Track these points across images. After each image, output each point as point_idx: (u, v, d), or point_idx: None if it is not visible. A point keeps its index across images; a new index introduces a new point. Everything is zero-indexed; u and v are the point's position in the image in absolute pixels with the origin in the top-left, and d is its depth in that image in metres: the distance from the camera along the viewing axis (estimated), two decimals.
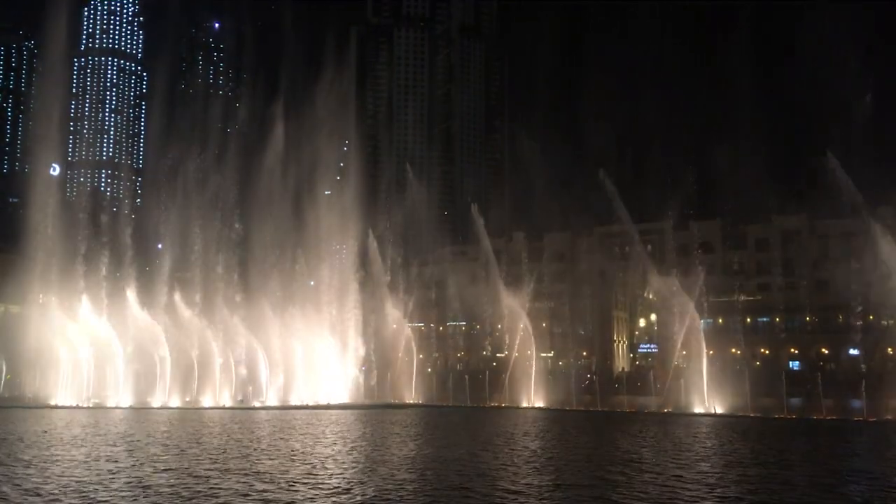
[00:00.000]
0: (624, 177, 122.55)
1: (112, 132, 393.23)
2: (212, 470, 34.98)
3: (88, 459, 39.08)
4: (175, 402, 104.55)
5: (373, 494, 28.56)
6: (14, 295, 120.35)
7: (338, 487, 30.28)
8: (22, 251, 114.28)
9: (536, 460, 39.40)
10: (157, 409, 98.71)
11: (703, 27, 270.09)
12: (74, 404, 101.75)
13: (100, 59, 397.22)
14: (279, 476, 33.12)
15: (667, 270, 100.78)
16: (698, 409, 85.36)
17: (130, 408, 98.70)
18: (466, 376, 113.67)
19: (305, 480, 32.03)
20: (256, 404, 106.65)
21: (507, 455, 41.29)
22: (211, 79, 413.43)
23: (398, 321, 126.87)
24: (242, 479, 32.11)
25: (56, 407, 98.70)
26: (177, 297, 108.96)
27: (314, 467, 36.18)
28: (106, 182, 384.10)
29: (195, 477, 32.83)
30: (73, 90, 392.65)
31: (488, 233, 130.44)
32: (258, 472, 34.20)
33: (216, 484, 31.01)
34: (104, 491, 29.43)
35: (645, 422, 70.73)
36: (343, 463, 38.57)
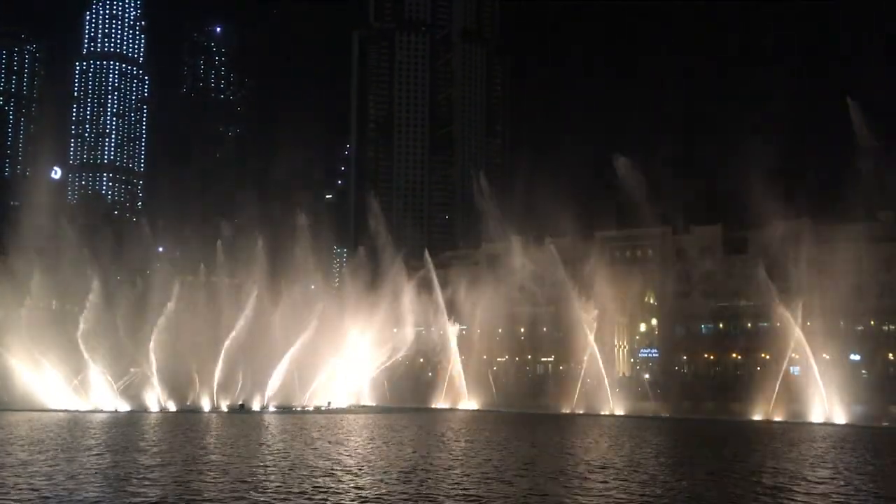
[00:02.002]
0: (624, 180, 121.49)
1: (113, 136, 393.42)
2: None
3: None
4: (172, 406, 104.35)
5: None
6: (14, 298, 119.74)
7: None
8: (23, 254, 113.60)
9: None
10: (155, 413, 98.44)
11: (701, 28, 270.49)
12: (74, 409, 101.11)
13: (101, 62, 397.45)
14: None
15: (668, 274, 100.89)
16: None
17: (130, 412, 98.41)
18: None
19: None
20: (256, 408, 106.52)
21: None
22: (212, 82, 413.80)
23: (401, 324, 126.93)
24: None
25: (54, 411, 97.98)
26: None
27: None
28: (107, 185, 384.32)
29: None
30: (75, 94, 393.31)
31: (488, 238, 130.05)
32: None
33: None
34: None
35: None
36: None
